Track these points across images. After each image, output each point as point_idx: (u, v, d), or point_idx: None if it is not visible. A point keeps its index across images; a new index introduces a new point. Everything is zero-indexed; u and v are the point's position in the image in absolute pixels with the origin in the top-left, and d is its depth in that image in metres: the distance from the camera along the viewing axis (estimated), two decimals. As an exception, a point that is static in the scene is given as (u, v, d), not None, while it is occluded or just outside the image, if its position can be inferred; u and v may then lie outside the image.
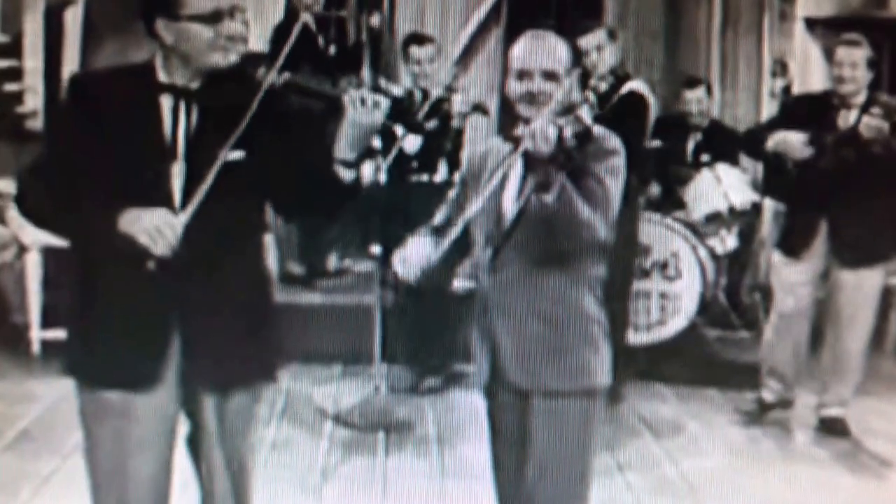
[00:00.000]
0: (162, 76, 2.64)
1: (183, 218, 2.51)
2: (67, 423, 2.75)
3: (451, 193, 3.07)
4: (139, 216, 2.48)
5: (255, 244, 2.79)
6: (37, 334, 5.92)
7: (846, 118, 4.80)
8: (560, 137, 2.63)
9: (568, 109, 2.72)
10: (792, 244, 4.96)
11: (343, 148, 2.61)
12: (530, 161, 2.72)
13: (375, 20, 6.90)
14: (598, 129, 2.79)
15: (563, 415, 2.81)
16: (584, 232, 2.71)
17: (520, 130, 2.79)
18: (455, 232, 2.81)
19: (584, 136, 2.68)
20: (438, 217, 3.03)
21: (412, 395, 5.42)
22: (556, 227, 2.69)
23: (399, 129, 5.02)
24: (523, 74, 2.82)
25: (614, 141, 2.83)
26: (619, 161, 2.81)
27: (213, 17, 2.58)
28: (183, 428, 2.76)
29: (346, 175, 2.62)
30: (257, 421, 2.84)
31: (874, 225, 4.85)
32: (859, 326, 4.92)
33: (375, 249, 4.89)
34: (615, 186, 2.78)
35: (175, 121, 2.61)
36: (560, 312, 2.82)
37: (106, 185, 2.53)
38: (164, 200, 2.55)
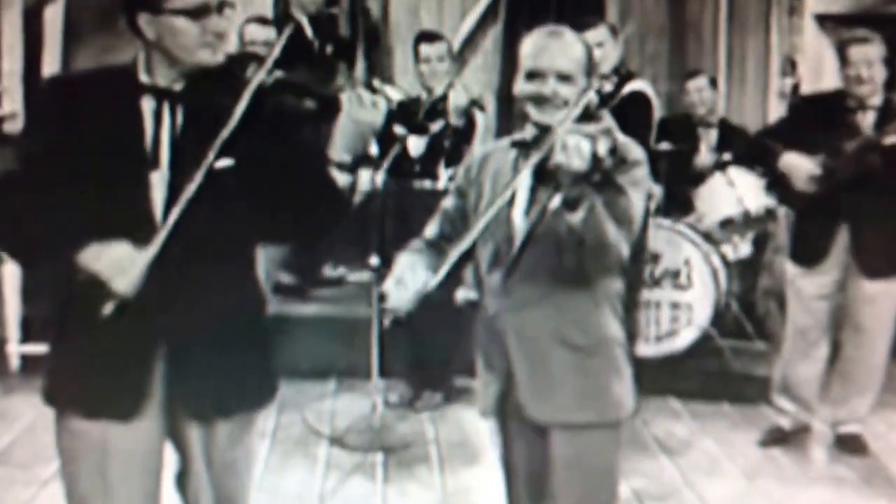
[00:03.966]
0: (143, 77, 2.47)
1: (147, 254, 2.36)
2: (47, 446, 2.60)
3: (445, 202, 2.87)
4: (100, 251, 2.35)
5: (245, 258, 2.61)
6: (15, 349, 5.79)
7: (863, 121, 4.53)
8: (595, 154, 2.39)
9: (587, 116, 2.53)
10: (808, 253, 4.71)
11: (339, 149, 2.41)
12: (557, 177, 2.46)
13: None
14: (619, 137, 2.57)
15: (586, 449, 2.65)
16: (611, 253, 2.52)
17: (528, 137, 2.60)
18: (455, 255, 2.56)
19: (616, 151, 2.46)
20: (431, 229, 2.84)
21: (411, 411, 5.27)
22: (582, 248, 2.49)
23: (400, 130, 4.84)
24: (535, 74, 2.62)
25: (637, 150, 2.65)
26: (643, 171, 2.64)
27: (200, 11, 2.40)
28: (171, 464, 2.62)
29: (341, 179, 2.40)
30: (250, 449, 2.70)
31: None
32: (881, 340, 4.71)
33: (374, 260, 4.70)
34: (639, 199, 2.60)
35: (158, 125, 2.44)
36: (585, 337, 2.64)
37: (82, 197, 2.37)
38: (143, 213, 2.41)
